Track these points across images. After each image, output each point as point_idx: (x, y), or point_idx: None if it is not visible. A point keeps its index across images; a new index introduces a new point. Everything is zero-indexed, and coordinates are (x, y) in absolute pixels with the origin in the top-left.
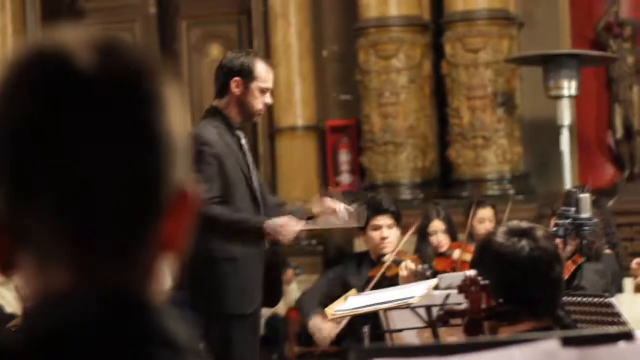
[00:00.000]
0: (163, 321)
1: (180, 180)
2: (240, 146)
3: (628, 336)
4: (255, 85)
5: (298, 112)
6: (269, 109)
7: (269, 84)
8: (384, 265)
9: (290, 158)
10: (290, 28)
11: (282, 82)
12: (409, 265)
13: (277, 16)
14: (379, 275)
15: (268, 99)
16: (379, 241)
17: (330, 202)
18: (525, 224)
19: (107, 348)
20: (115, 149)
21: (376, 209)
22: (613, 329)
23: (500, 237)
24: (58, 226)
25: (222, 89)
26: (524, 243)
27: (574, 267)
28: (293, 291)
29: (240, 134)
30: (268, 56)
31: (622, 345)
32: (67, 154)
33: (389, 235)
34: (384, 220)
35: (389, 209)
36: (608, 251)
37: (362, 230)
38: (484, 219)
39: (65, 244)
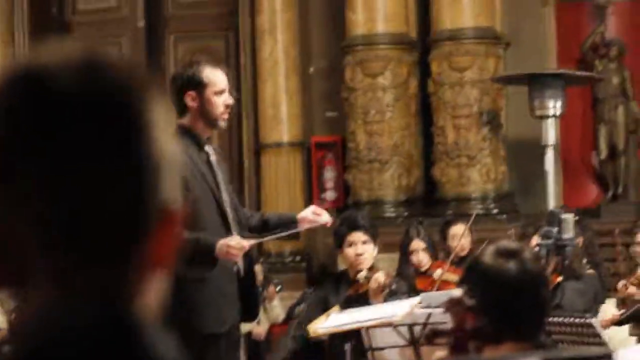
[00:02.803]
0: (151, 338)
1: (167, 198)
2: (209, 163)
3: (608, 357)
4: (209, 92)
5: (284, 128)
6: (255, 124)
7: (222, 85)
8: (358, 284)
9: (275, 174)
10: (277, 44)
11: (268, 98)
12: (378, 278)
13: (264, 33)
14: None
15: (227, 99)
16: (354, 257)
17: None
18: (513, 245)
19: None
20: (99, 168)
21: (351, 225)
22: (593, 350)
23: (487, 257)
24: (43, 242)
25: (181, 107)
26: (511, 264)
27: (551, 287)
28: (275, 307)
29: (210, 149)
30: (254, 72)
31: None
32: (50, 173)
33: (363, 252)
34: (358, 237)
35: (363, 225)
36: (590, 271)
37: (339, 247)
38: (457, 236)
39: (51, 260)
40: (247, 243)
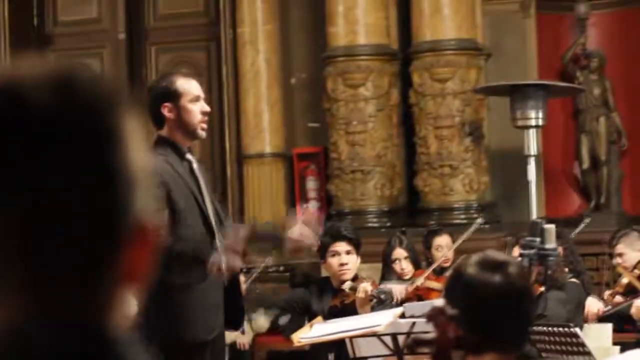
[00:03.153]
0: (124, 352)
1: (141, 211)
2: (192, 171)
3: None
4: (184, 101)
5: (266, 139)
6: (237, 135)
7: (196, 92)
8: (343, 294)
9: (257, 185)
10: (259, 55)
11: (250, 108)
12: (366, 288)
13: (246, 43)
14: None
15: (204, 106)
16: (337, 267)
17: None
18: (499, 256)
19: None
20: (71, 183)
21: (335, 235)
22: (577, 359)
23: (471, 268)
24: (14, 257)
25: (159, 119)
26: (496, 277)
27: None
28: (259, 318)
29: (191, 158)
30: (236, 83)
31: None
32: (22, 188)
33: (347, 262)
34: (342, 246)
35: (347, 235)
36: (574, 280)
37: (322, 258)
38: (442, 246)
39: (22, 274)
40: (237, 265)
